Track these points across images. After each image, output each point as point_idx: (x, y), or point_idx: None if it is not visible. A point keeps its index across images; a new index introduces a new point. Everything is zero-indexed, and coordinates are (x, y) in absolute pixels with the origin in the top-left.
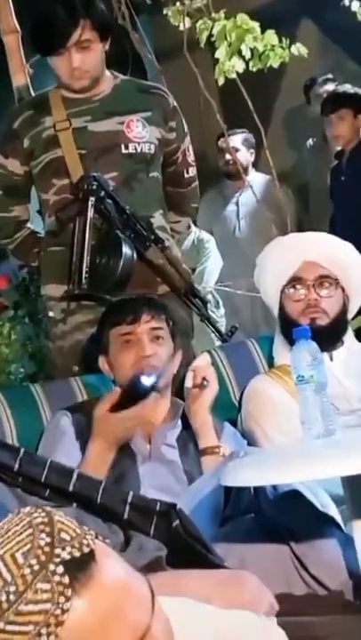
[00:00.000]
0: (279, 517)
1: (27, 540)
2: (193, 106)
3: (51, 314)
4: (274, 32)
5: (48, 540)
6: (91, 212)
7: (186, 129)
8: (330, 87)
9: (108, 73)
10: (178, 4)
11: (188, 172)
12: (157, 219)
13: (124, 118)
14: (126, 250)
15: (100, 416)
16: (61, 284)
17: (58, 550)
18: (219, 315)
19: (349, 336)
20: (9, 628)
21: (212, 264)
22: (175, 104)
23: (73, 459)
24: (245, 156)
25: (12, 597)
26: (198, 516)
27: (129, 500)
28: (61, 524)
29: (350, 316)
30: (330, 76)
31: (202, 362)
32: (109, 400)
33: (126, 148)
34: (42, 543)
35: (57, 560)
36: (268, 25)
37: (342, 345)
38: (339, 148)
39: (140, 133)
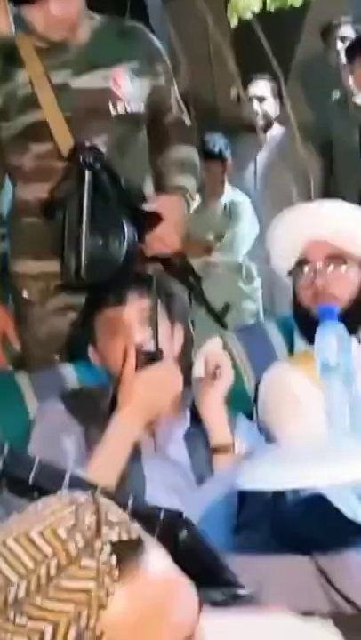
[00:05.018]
0: (301, 526)
1: (70, 517)
2: (202, 51)
3: (25, 294)
4: None
5: (94, 518)
6: (88, 190)
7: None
8: (350, 31)
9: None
10: None
11: (186, 121)
12: (148, 187)
13: (110, 71)
14: (128, 230)
15: (131, 376)
16: (38, 261)
17: (105, 529)
18: (250, 289)
19: None
20: (47, 604)
21: (244, 229)
22: (159, 45)
23: (70, 449)
24: (273, 106)
25: (52, 571)
26: (208, 524)
27: (129, 505)
28: (107, 506)
29: None
30: (350, 18)
31: (213, 347)
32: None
33: (115, 107)
34: (87, 520)
35: (104, 539)
36: None
37: None
38: None
39: (129, 89)
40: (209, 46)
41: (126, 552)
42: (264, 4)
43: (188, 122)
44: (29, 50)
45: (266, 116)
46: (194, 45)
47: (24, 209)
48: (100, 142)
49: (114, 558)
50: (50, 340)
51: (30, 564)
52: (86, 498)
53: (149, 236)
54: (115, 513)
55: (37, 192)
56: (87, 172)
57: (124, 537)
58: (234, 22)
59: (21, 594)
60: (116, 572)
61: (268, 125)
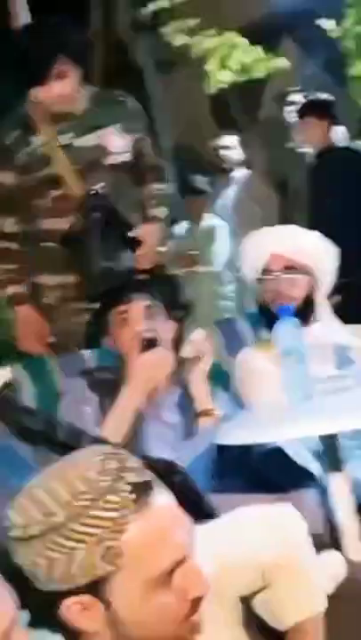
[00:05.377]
0: (264, 472)
1: (99, 463)
2: (191, 112)
3: (45, 300)
4: (259, 47)
5: (118, 464)
6: (97, 225)
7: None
8: (300, 97)
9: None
10: (173, 23)
11: (159, 164)
12: (134, 217)
13: (103, 131)
14: (126, 251)
15: (135, 357)
16: (56, 275)
17: (126, 473)
18: (225, 292)
19: (327, 313)
20: (81, 528)
21: (221, 246)
22: (138, 107)
23: (89, 414)
24: (239, 154)
25: (85, 503)
26: (194, 471)
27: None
28: (127, 456)
29: (324, 293)
30: (300, 87)
31: (198, 336)
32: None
33: (108, 159)
34: (113, 466)
35: (125, 480)
36: (253, 41)
37: (318, 321)
38: (315, 151)
39: (118, 144)
40: (195, 105)
41: (141, 490)
42: (235, 77)
43: (160, 164)
44: (41, 119)
45: (233, 161)
46: (185, 107)
47: (44, 236)
48: (100, 187)
49: (133, 495)
50: (70, 333)
51: (68, 498)
52: (111, 450)
53: (137, 254)
54: (132, 461)
55: (55, 224)
56: (94, 214)
57: (139, 479)
58: (212, 90)
59: (61, 520)
60: (133, 506)
61: (234, 168)
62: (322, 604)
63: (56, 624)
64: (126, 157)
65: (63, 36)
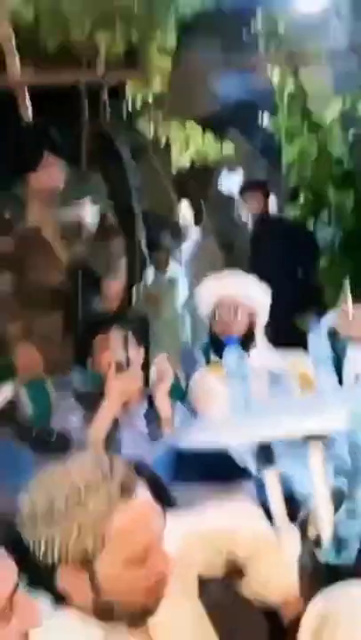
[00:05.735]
0: (213, 468)
1: (94, 464)
2: (158, 186)
3: None
4: (212, 138)
5: (108, 464)
6: (81, 285)
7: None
8: (240, 178)
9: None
10: (145, 118)
11: (115, 225)
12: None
13: (79, 205)
14: (98, 301)
15: (112, 376)
16: None
17: (115, 472)
18: (184, 326)
19: (263, 342)
20: (77, 513)
21: (180, 290)
22: (102, 182)
23: (75, 423)
24: (187, 221)
25: (82, 493)
26: (159, 468)
27: None
28: (117, 458)
29: (260, 327)
30: (241, 169)
31: (162, 360)
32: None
33: (85, 228)
34: (105, 465)
35: (114, 478)
36: (206, 131)
37: (256, 349)
38: (254, 218)
39: (91, 214)
40: (162, 182)
41: (125, 487)
42: (193, 160)
43: (115, 225)
44: (32, 198)
45: (188, 225)
46: (154, 182)
47: (34, 286)
48: (80, 251)
49: (119, 490)
50: (56, 360)
51: (68, 488)
52: (106, 457)
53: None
54: (120, 462)
55: (43, 278)
56: (75, 271)
57: (126, 478)
58: (174, 171)
59: (62, 505)
60: (120, 499)
61: (188, 230)
62: (294, 577)
63: (49, 587)
64: (96, 223)
65: (50, 135)
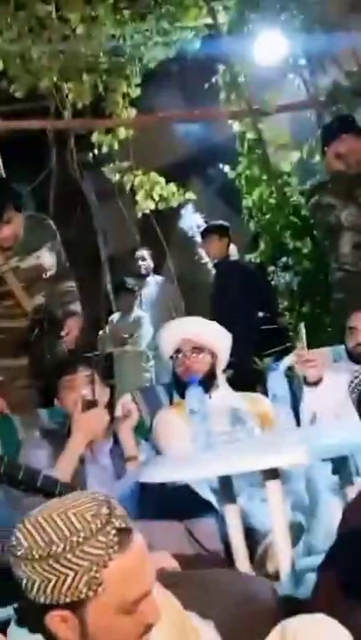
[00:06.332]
0: (175, 503)
1: (94, 508)
2: (122, 230)
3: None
4: (174, 184)
5: (108, 511)
6: (45, 331)
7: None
8: (201, 221)
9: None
10: (111, 164)
11: (67, 268)
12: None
13: (38, 253)
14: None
15: (78, 415)
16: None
17: (113, 519)
18: (147, 366)
19: (223, 382)
20: (74, 559)
21: (145, 331)
22: (54, 228)
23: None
24: (150, 264)
25: (80, 539)
26: (124, 502)
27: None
28: (116, 505)
29: (220, 368)
30: (204, 214)
31: (126, 399)
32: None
33: (45, 274)
34: (104, 512)
35: (113, 525)
36: (169, 179)
37: (217, 389)
38: (213, 261)
39: (49, 261)
40: (126, 226)
41: (123, 535)
42: (156, 205)
43: (67, 268)
44: None
45: (149, 269)
46: (119, 227)
47: None
48: (41, 295)
49: (117, 539)
50: (20, 401)
51: (67, 533)
52: (103, 497)
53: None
54: (119, 509)
55: (7, 324)
56: (44, 325)
57: (124, 526)
58: (139, 215)
59: (59, 550)
60: (117, 547)
61: (150, 274)
62: None
63: (39, 627)
64: (54, 270)
65: (6, 190)
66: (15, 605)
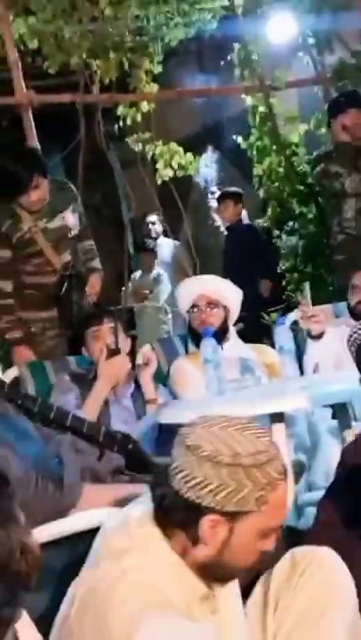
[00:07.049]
0: None
1: (263, 435)
2: (143, 195)
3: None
4: (191, 153)
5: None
6: (73, 286)
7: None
8: (215, 189)
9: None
10: (134, 135)
11: (86, 227)
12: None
13: (63, 214)
14: (84, 297)
15: (103, 362)
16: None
17: (268, 468)
18: (166, 319)
19: (234, 335)
20: (257, 474)
21: (164, 288)
22: (74, 189)
23: (72, 400)
24: (160, 228)
25: (264, 460)
26: (143, 441)
27: (102, 431)
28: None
29: (232, 321)
30: (219, 181)
31: (146, 348)
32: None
33: (70, 233)
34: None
35: (281, 460)
36: (187, 149)
37: (228, 340)
38: (227, 225)
39: (73, 221)
40: (147, 192)
41: (285, 468)
42: (175, 173)
43: (87, 227)
44: (24, 212)
45: (157, 232)
46: (141, 193)
47: (29, 288)
48: (67, 253)
49: (283, 469)
50: (49, 351)
51: (252, 449)
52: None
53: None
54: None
55: (37, 280)
56: (72, 278)
57: (275, 474)
58: (159, 181)
59: (248, 462)
60: (283, 476)
61: (159, 237)
62: None
63: (184, 523)
64: (77, 229)
65: (36, 159)
66: (158, 492)
